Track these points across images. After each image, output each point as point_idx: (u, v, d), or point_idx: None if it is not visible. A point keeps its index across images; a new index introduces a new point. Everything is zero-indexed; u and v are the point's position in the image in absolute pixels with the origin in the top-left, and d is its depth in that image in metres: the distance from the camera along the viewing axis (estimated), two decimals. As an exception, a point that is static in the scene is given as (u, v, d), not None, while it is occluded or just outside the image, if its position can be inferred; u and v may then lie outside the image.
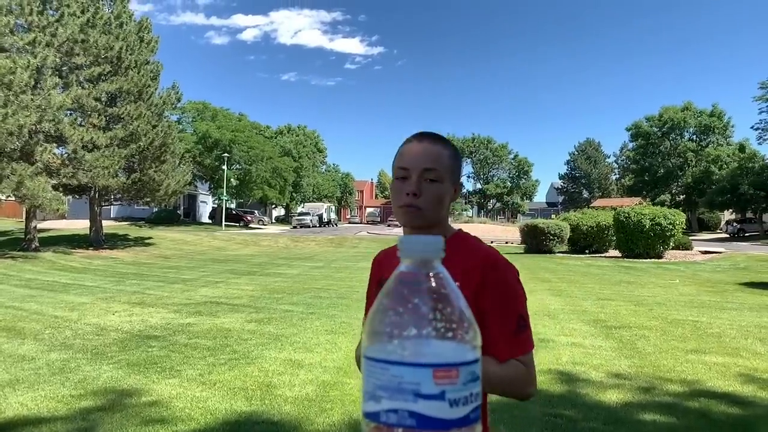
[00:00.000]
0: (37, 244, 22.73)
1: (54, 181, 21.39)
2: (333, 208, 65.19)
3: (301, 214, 52.49)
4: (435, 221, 1.31)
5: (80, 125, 22.32)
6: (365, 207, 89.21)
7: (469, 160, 79.08)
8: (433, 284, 0.54)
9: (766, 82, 47.23)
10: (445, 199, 1.30)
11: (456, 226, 1.47)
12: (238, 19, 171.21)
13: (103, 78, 23.11)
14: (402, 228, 1.37)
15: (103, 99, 23.39)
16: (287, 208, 65.54)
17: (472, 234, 1.39)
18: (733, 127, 55.92)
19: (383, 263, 1.47)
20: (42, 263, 18.63)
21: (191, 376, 5.19)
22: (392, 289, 0.55)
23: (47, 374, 5.27)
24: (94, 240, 25.33)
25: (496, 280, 1.24)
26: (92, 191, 24.93)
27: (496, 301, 1.23)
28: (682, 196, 55.42)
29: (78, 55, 21.79)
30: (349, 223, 73.68)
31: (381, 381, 0.51)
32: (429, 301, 0.53)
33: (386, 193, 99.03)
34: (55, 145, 21.51)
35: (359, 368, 1.37)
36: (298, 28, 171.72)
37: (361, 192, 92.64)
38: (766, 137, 49.70)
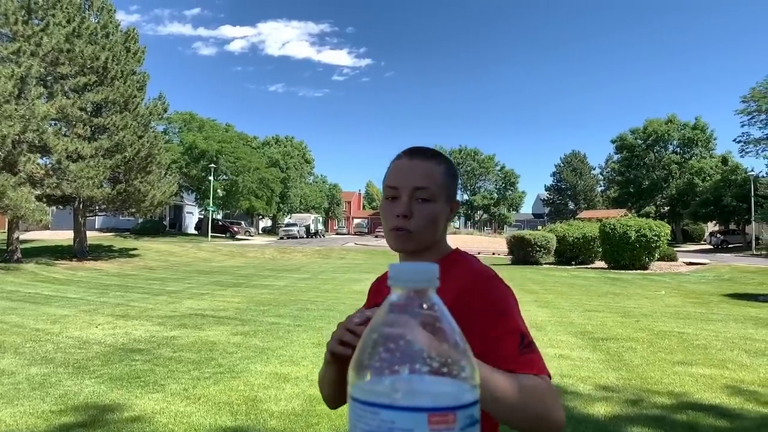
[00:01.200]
0: (20, 255, 22.40)
1: (37, 192, 21.14)
2: (320, 219, 65.06)
3: (288, 225, 52.29)
4: (428, 244, 1.20)
5: (65, 135, 22.10)
6: (353, 218, 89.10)
7: (456, 172, 79.26)
8: (428, 317, 0.49)
9: (748, 96, 48.03)
10: (439, 219, 1.19)
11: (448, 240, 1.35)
12: (226, 30, 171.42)
13: (89, 88, 22.95)
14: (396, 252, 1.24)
15: (88, 109, 23.19)
16: (274, 218, 65.26)
17: (468, 253, 1.27)
18: (715, 140, 56.75)
19: (379, 289, 1.35)
20: (24, 275, 18.35)
21: (175, 390, 5.11)
22: (382, 323, 0.50)
23: (27, 389, 5.16)
24: (78, 251, 25.02)
25: (484, 298, 1.11)
26: (76, 202, 24.66)
27: (490, 326, 1.07)
28: (666, 208, 56.00)
29: (63, 64, 21.64)
30: (337, 234, 73.48)
31: (370, 426, 0.46)
32: (424, 338, 0.49)
33: (374, 204, 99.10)
34: (38, 155, 21.30)
35: (322, 394, 1.21)
36: (285, 39, 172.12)
37: (349, 203, 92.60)
38: (748, 150, 50.45)
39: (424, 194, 1.16)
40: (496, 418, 0.98)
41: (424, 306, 0.50)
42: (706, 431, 4.17)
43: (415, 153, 1.21)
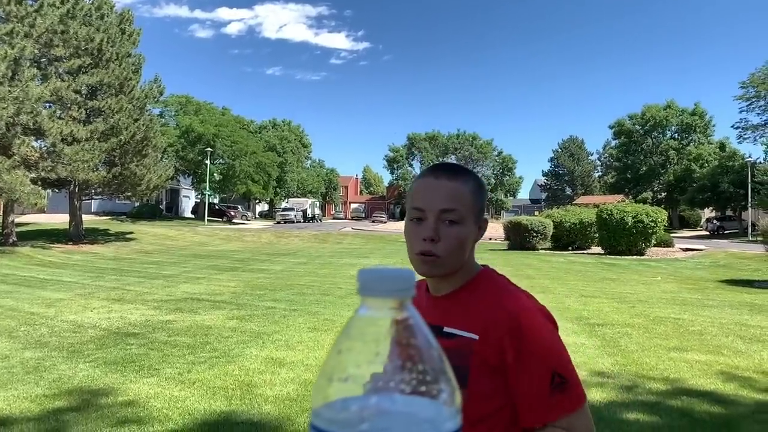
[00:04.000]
0: (15, 239, 22.30)
1: (32, 175, 20.99)
2: (317, 203, 65.01)
3: (285, 209, 52.27)
4: (456, 267, 1.15)
5: (59, 118, 21.90)
6: (350, 203, 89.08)
7: (453, 157, 79.23)
8: (402, 333, 0.43)
9: (747, 81, 47.90)
10: (467, 242, 1.14)
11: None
12: (223, 13, 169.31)
13: (84, 70, 22.71)
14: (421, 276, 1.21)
15: (83, 91, 22.99)
16: (271, 203, 65.15)
17: (497, 273, 1.23)
18: (714, 126, 56.64)
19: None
20: (19, 258, 18.30)
21: (170, 375, 5.09)
22: (349, 340, 0.44)
23: (21, 373, 5.14)
24: (74, 235, 24.93)
25: (521, 344, 1.08)
26: (72, 185, 24.50)
27: (523, 367, 1.07)
28: (663, 194, 56.02)
29: (57, 46, 21.39)
30: (334, 218, 73.48)
31: None
32: (396, 356, 0.42)
33: (371, 189, 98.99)
34: (33, 137, 21.12)
35: None
36: (283, 22, 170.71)
37: (346, 188, 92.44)
38: (746, 136, 50.44)
39: (452, 216, 1.12)
40: None
41: (399, 320, 0.44)
42: (701, 417, 4.18)
43: (441, 171, 1.16)
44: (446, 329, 1.13)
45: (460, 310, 1.15)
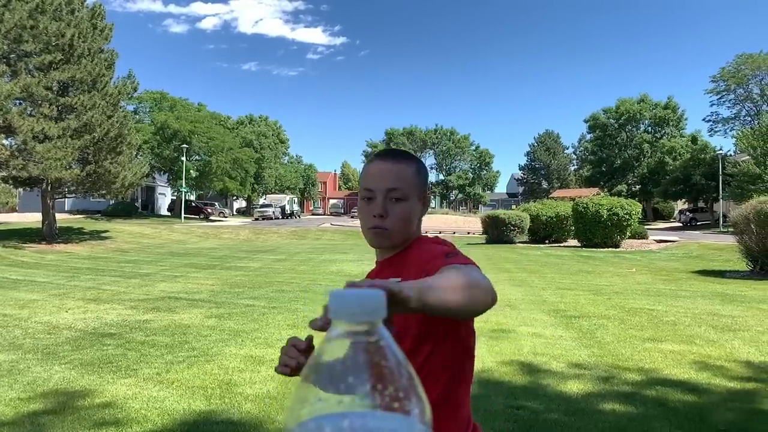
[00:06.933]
0: (-14, 239, 21.85)
1: (3, 173, 20.56)
2: (296, 199, 64.65)
3: (263, 205, 51.91)
4: (404, 240, 1.32)
5: (30, 115, 21.45)
6: (328, 198, 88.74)
7: (431, 152, 79.47)
8: (374, 355, 0.43)
9: (717, 75, 48.85)
10: (412, 216, 1.31)
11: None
12: (197, 8, 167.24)
13: (55, 66, 22.25)
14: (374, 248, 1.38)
15: (54, 88, 22.52)
16: (249, 199, 64.61)
17: (428, 236, 1.38)
18: (686, 119, 57.52)
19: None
20: (-9, 259, 17.90)
21: (148, 375, 5.04)
22: (320, 363, 0.43)
23: (-6, 376, 5.04)
24: (48, 234, 24.46)
25: (420, 253, 1.25)
26: (44, 183, 24.03)
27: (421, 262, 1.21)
28: (637, 187, 56.76)
29: (27, 42, 20.91)
30: (313, 214, 73.16)
31: None
32: (368, 380, 0.42)
33: (350, 184, 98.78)
34: (3, 135, 20.66)
35: None
36: (259, 17, 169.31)
37: (324, 183, 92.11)
38: (716, 129, 51.52)
39: (397, 194, 1.28)
40: (444, 309, 0.99)
41: (371, 341, 0.44)
42: (675, 406, 4.27)
43: (387, 156, 1.33)
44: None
45: (394, 266, 1.31)
